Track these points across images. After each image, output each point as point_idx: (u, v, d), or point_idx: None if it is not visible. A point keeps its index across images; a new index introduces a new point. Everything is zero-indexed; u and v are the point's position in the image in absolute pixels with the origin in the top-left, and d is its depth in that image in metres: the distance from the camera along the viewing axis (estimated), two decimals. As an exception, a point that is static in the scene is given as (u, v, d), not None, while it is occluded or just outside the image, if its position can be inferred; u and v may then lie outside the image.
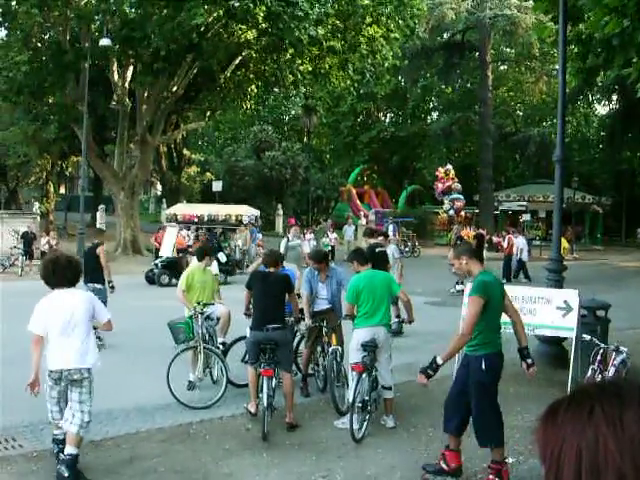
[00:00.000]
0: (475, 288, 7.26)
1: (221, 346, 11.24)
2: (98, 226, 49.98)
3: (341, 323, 10.65)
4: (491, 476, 7.30)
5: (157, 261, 27.46)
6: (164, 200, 55.00)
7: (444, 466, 7.48)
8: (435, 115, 71.95)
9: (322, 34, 34.12)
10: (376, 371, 9.13)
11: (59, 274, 7.64)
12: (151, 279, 26.62)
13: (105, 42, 31.51)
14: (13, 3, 32.91)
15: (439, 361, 7.12)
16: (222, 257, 27.05)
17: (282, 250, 24.24)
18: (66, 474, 7.26)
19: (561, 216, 13.47)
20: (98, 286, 15.20)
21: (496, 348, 7.34)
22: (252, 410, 9.34)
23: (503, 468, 7.33)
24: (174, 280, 26.17)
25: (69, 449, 7.39)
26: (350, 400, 8.76)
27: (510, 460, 7.97)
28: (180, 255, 28.03)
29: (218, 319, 11.56)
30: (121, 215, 38.83)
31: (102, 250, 15.83)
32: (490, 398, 7.34)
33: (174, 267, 26.85)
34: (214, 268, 13.62)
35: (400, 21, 37.95)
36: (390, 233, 34.73)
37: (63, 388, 7.51)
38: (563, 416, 1.33)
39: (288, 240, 26.51)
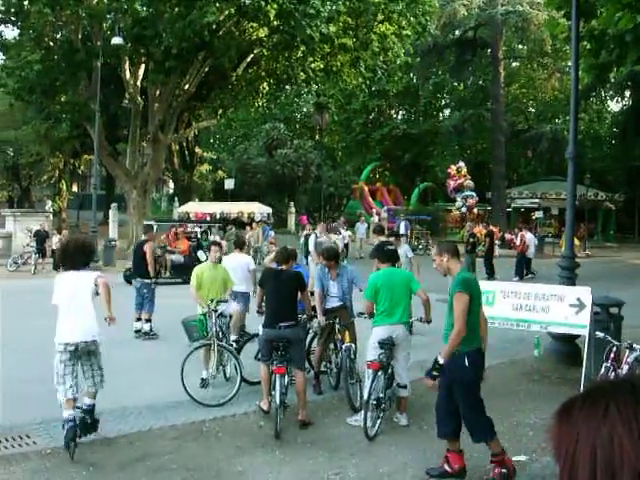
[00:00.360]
0: (458, 284, 7.35)
1: (234, 344, 11.24)
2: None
3: (354, 320, 10.64)
4: (497, 469, 7.34)
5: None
6: (176, 198, 55.10)
7: (448, 468, 7.48)
8: (447, 112, 71.74)
9: (334, 31, 34.13)
10: (392, 369, 9.12)
11: (69, 259, 8.68)
12: (128, 278, 24.98)
13: (117, 40, 31.59)
14: (25, 2, 33.01)
15: (440, 360, 7.20)
16: (202, 256, 26.75)
17: (311, 247, 24.34)
18: (89, 421, 8.37)
19: (574, 213, 13.42)
20: (147, 281, 15.57)
21: (476, 345, 7.40)
22: (265, 408, 9.34)
23: (505, 457, 7.39)
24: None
25: (89, 401, 8.47)
26: (365, 397, 8.75)
27: (523, 458, 7.96)
28: (159, 254, 27.57)
29: (230, 316, 11.56)
30: (133, 213, 38.89)
31: (149, 247, 16.07)
32: (476, 394, 7.40)
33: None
34: (250, 263, 13.61)
35: (412, 18, 37.89)
36: (402, 230, 34.77)
37: (77, 360, 8.37)
38: (578, 414, 1.32)
39: (317, 237, 26.54)
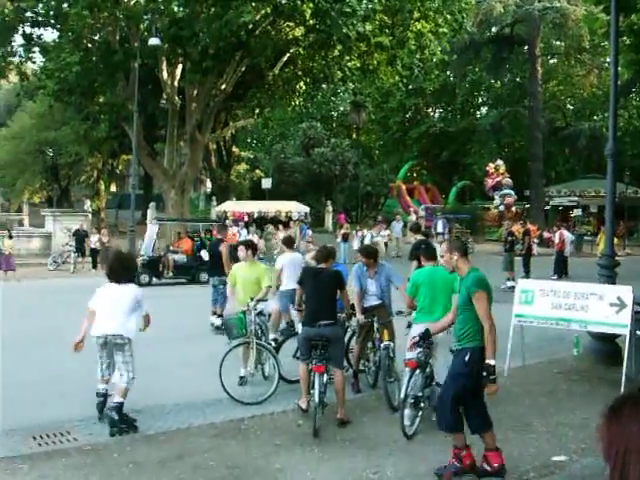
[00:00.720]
0: (475, 284, 7.35)
1: (273, 342, 11.25)
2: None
3: (392, 319, 10.61)
4: (451, 460, 7.50)
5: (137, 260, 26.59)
6: (214, 197, 55.30)
7: (487, 467, 7.45)
8: (484, 110, 71.31)
9: (370, 30, 34.04)
10: (431, 367, 9.07)
11: (114, 274, 9.58)
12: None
13: (154, 41, 31.79)
14: (65, 5, 33.35)
15: (491, 362, 7.18)
16: (205, 255, 26.73)
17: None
18: (116, 417, 8.91)
19: (613, 211, 13.28)
20: (223, 278, 15.87)
21: (481, 343, 7.36)
22: (303, 406, 9.35)
23: (464, 453, 7.46)
24: (155, 279, 25.18)
25: (117, 398, 9.04)
26: (402, 396, 8.71)
27: (563, 458, 7.90)
28: (162, 254, 27.24)
29: (269, 315, 11.56)
30: (171, 212, 39.11)
31: (224, 247, 16.31)
32: (459, 390, 7.38)
33: (155, 266, 26.05)
34: (303, 261, 13.64)
35: (448, 16, 37.73)
36: (440, 229, 34.67)
37: (109, 352, 9.28)
38: (628, 414, 1.31)
39: (372, 236, 26.57)
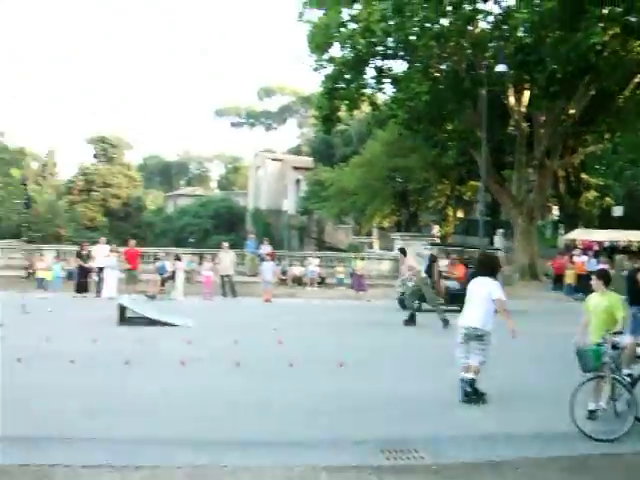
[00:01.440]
0: None
1: (627, 377, 10.85)
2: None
3: None
4: None
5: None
6: (561, 225, 54.22)
7: None
8: None
9: None
10: None
11: (479, 268, 12.12)
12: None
13: (501, 68, 32.10)
14: (413, 37, 34.68)
15: None
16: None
17: None
18: (468, 389, 11.16)
19: None
20: None
21: None
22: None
23: None
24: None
25: (470, 375, 11.17)
26: None
27: None
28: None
29: (623, 349, 11.15)
30: (519, 240, 39.09)
31: None
32: None
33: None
34: None
35: None
36: None
37: (468, 341, 11.25)
38: None
39: None
